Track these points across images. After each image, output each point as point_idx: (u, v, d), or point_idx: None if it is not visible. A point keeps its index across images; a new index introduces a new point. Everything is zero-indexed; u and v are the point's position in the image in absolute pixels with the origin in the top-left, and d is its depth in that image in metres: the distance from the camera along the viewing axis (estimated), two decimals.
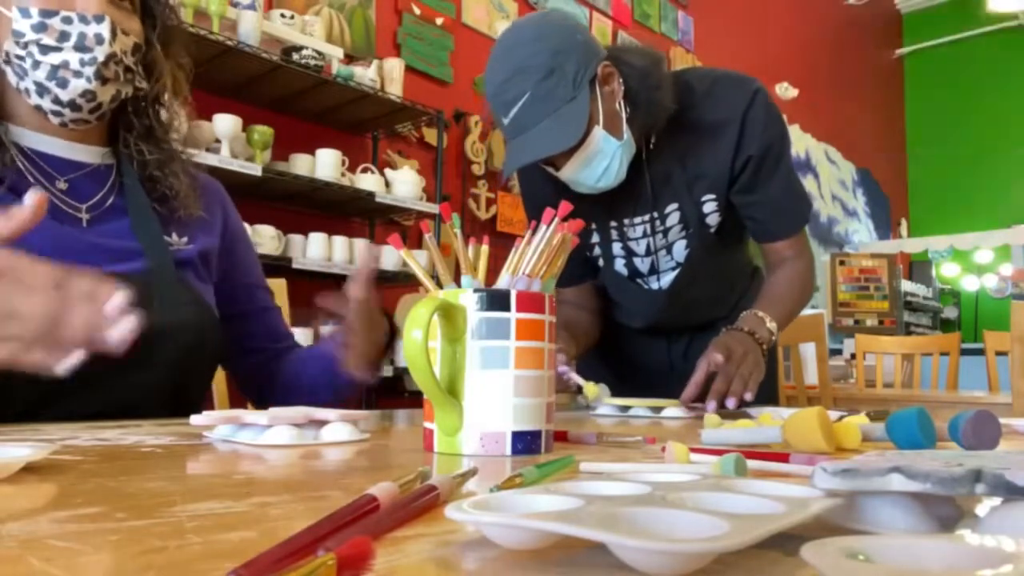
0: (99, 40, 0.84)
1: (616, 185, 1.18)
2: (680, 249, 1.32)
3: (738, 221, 1.33)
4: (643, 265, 1.35)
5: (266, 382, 1.08)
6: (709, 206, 1.28)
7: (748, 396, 1.11)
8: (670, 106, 1.18)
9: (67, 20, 0.83)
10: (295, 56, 2.49)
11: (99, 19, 0.84)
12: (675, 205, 1.28)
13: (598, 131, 1.12)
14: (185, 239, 0.97)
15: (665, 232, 1.30)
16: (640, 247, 1.32)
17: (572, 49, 1.09)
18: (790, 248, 1.31)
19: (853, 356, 4.04)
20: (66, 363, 0.60)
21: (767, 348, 1.21)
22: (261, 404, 1.10)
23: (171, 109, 0.98)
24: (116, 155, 0.96)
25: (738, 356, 1.14)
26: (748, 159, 1.23)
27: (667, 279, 1.35)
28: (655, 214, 1.29)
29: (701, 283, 1.33)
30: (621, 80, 1.15)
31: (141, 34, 0.92)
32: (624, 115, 1.15)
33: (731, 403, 1.10)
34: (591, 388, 1.09)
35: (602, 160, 1.14)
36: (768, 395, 1.44)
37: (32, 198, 0.59)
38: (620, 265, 1.36)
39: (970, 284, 7.18)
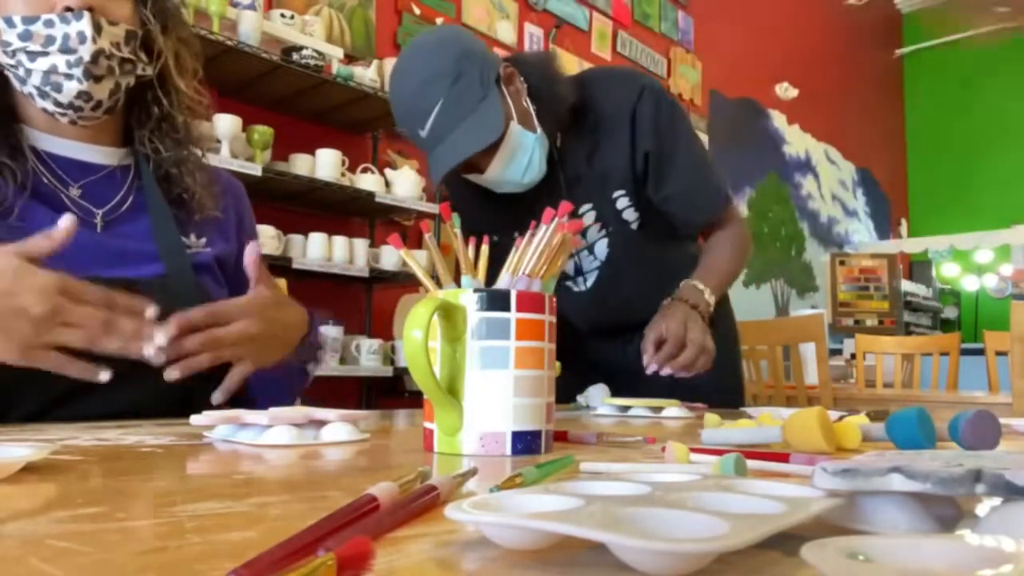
0: (82, 39, 0.82)
1: (539, 180, 1.22)
2: (602, 248, 1.33)
3: (664, 217, 1.35)
4: (567, 267, 1.36)
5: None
6: (622, 202, 1.30)
7: (698, 365, 1.15)
8: (570, 96, 1.23)
9: (49, 23, 0.82)
10: (295, 56, 2.49)
11: (78, 16, 0.82)
12: (589, 205, 1.30)
13: (515, 126, 1.15)
14: (204, 240, 0.96)
15: (583, 232, 1.31)
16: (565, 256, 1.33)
17: (472, 53, 1.13)
18: (721, 220, 1.33)
19: (853, 356, 4.04)
20: (105, 373, 0.72)
21: (706, 318, 1.23)
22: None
23: (174, 90, 0.94)
24: (134, 155, 0.95)
25: (681, 324, 1.17)
26: (646, 155, 1.27)
27: (591, 279, 1.36)
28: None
29: (629, 281, 1.34)
30: (522, 78, 1.20)
31: (133, 18, 0.89)
32: (533, 111, 1.20)
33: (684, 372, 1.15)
34: None
35: (524, 154, 1.17)
36: (733, 390, 1.43)
37: (65, 221, 0.71)
38: None
39: (970, 284, 7.17)
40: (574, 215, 1.29)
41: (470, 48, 1.13)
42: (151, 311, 0.73)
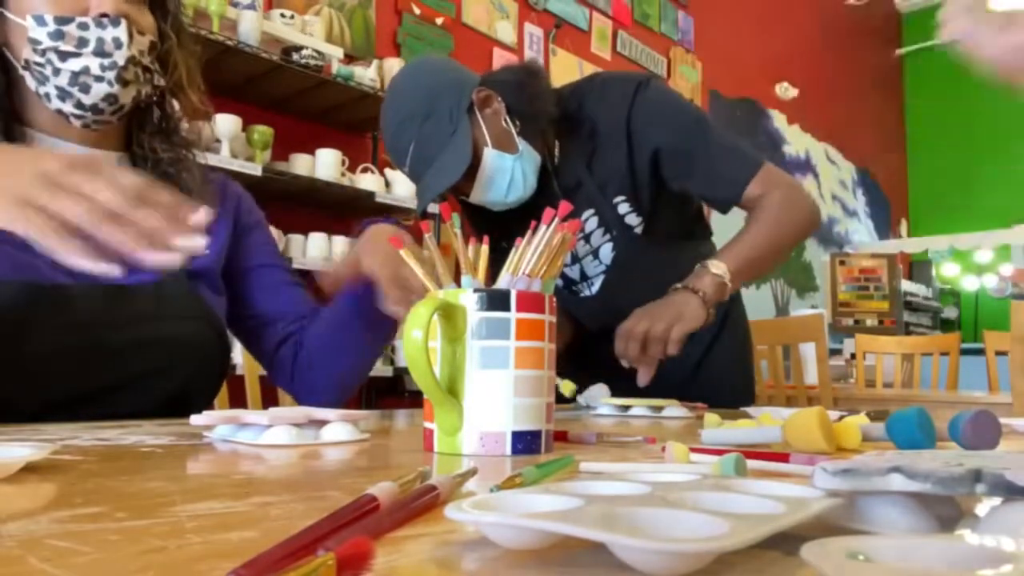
0: (118, 44, 0.84)
1: (529, 195, 1.22)
2: (607, 253, 1.33)
3: (671, 219, 1.33)
4: (573, 272, 1.36)
5: (294, 354, 1.05)
6: (623, 207, 1.29)
7: (671, 350, 1.14)
8: (552, 110, 1.23)
9: (83, 26, 0.83)
10: (295, 56, 2.49)
11: (115, 22, 0.84)
12: (591, 211, 1.30)
13: (489, 152, 1.18)
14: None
15: (587, 238, 1.32)
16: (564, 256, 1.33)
17: (442, 87, 1.16)
18: (755, 190, 1.24)
19: (853, 356, 4.03)
20: (102, 267, 0.58)
21: (711, 293, 1.17)
22: (297, 382, 1.07)
23: (184, 101, 0.96)
24: (132, 158, 0.95)
25: (652, 316, 1.15)
26: (655, 153, 1.25)
27: (597, 284, 1.35)
28: None
29: (636, 284, 1.30)
30: (500, 99, 1.21)
31: (154, 29, 0.91)
32: (514, 130, 1.21)
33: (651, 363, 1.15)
34: (567, 385, 1.13)
35: (502, 177, 1.19)
36: (742, 390, 1.43)
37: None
38: None
39: (970, 284, 7.17)
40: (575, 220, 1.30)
41: (442, 81, 1.16)
42: (198, 216, 0.61)
